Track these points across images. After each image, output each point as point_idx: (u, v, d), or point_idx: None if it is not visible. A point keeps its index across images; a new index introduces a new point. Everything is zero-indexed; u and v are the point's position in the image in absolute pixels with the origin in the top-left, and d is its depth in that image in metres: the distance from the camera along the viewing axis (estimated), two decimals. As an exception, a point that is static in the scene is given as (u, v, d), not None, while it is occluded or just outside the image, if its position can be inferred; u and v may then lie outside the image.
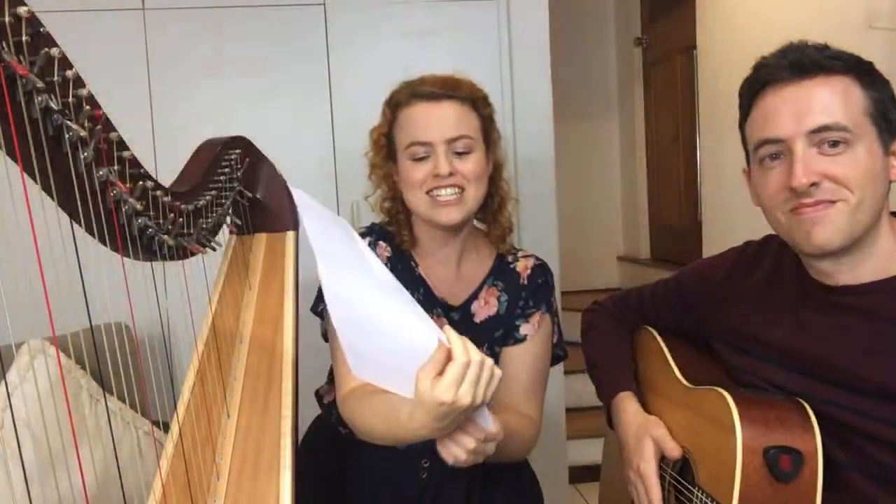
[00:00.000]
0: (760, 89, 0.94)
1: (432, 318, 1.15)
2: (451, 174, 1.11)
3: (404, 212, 1.21)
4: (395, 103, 1.18)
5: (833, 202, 0.88)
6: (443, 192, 1.12)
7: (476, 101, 1.18)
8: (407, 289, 1.16)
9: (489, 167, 1.19)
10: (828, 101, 0.89)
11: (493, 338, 1.20)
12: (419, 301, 1.16)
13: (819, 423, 0.94)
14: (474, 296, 1.22)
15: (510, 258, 1.25)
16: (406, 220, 1.21)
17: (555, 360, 1.26)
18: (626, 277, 3.95)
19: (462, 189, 1.13)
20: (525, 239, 2.00)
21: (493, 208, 1.23)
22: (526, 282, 1.23)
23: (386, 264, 1.20)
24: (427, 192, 1.12)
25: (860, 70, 0.91)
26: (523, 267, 1.24)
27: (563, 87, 2.45)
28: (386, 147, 1.18)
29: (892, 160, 0.92)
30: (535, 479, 1.31)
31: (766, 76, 0.93)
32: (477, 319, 1.21)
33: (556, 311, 1.27)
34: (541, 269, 1.25)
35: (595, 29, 4.04)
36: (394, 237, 1.22)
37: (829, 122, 0.88)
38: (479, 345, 1.12)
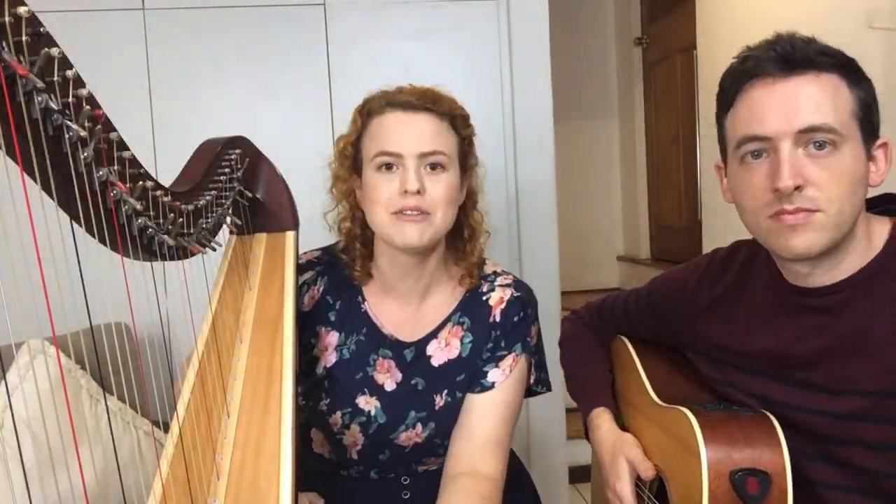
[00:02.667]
0: (747, 81, 0.90)
1: (377, 360, 1.12)
2: (418, 192, 1.01)
3: (363, 237, 1.12)
4: (368, 111, 1.08)
5: (813, 212, 0.86)
6: (408, 213, 1.02)
7: (455, 118, 1.08)
8: (348, 327, 1.13)
9: (462, 194, 1.10)
10: (819, 99, 0.86)
11: (453, 383, 1.11)
12: (361, 341, 1.13)
13: (795, 437, 0.94)
14: (434, 334, 1.13)
15: (486, 286, 1.14)
16: (364, 247, 1.13)
17: (530, 394, 1.18)
18: (626, 277, 3.95)
19: (427, 213, 1.03)
20: (525, 240, 2.00)
21: (462, 239, 1.13)
22: (498, 319, 1.11)
23: (319, 302, 1.15)
24: (393, 213, 1.03)
25: (848, 68, 0.89)
26: (498, 300, 1.12)
27: (563, 87, 2.45)
28: (352, 157, 1.10)
29: (871, 165, 0.90)
30: (533, 486, 1.29)
31: (754, 68, 0.90)
32: (435, 363, 1.12)
33: (537, 347, 1.16)
34: (518, 302, 1.12)
35: (595, 29, 4.05)
36: (345, 266, 1.15)
37: (818, 123, 0.85)
38: (436, 390, 1.11)
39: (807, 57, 0.87)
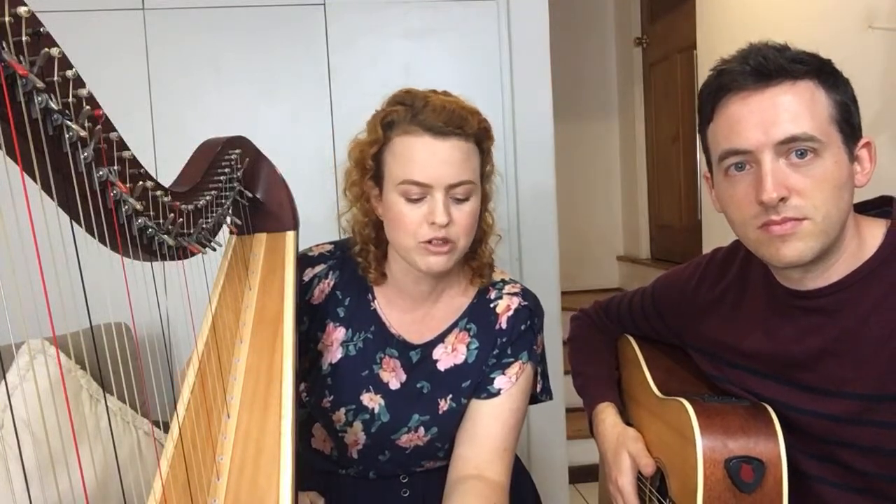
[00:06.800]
0: (723, 96, 0.91)
1: (384, 358, 1.13)
2: (447, 224, 1.01)
3: (377, 239, 1.11)
4: (390, 123, 1.04)
5: (800, 220, 0.86)
6: (435, 242, 1.02)
7: (481, 136, 1.06)
8: (357, 324, 1.14)
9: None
10: (795, 109, 0.86)
11: (458, 388, 1.11)
12: (369, 339, 1.13)
13: (791, 435, 0.94)
14: (440, 338, 1.13)
15: (493, 294, 1.14)
16: (378, 250, 1.12)
17: (534, 402, 1.18)
18: (626, 277, 3.95)
19: (452, 241, 1.03)
20: (525, 240, 2.00)
21: (474, 241, 1.11)
22: (504, 326, 1.12)
23: (329, 296, 1.14)
24: (418, 241, 1.02)
25: (823, 72, 0.88)
26: (505, 308, 1.12)
27: (563, 87, 2.45)
28: (373, 170, 1.06)
29: (856, 166, 0.90)
30: (533, 486, 1.29)
31: (729, 82, 0.90)
32: (441, 367, 1.12)
33: (542, 356, 1.17)
34: (525, 311, 1.12)
35: (595, 29, 4.05)
36: (356, 264, 1.14)
37: (797, 133, 0.85)
38: (440, 395, 1.12)
39: (780, 67, 0.87)
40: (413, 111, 1.02)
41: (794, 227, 0.86)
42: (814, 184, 0.86)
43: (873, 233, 0.93)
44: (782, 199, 0.85)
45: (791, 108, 0.86)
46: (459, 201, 1.03)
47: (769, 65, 0.87)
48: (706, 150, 0.98)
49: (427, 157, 1.01)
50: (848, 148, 0.89)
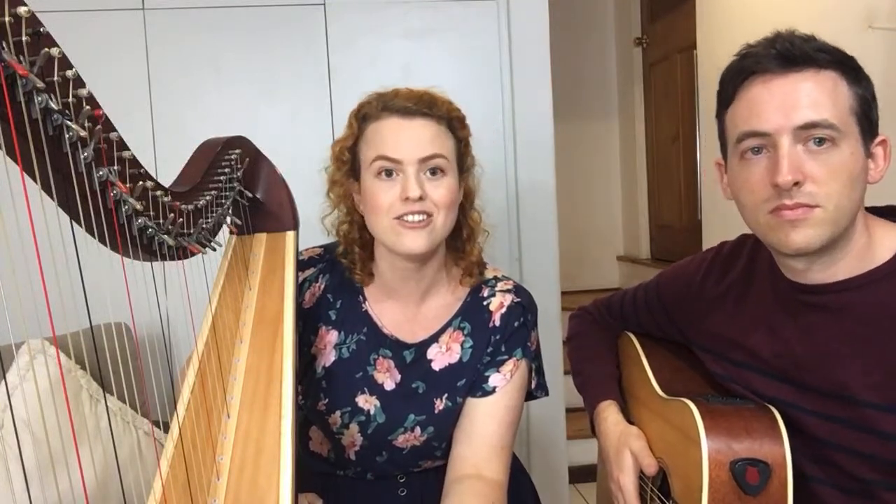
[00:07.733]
0: (746, 78, 0.91)
1: (377, 359, 1.13)
2: (420, 198, 1.01)
3: (362, 240, 1.12)
4: (364, 115, 1.07)
5: (812, 207, 0.86)
6: (409, 217, 1.02)
7: (452, 121, 1.07)
8: (349, 326, 1.14)
9: (460, 194, 1.09)
10: (817, 96, 0.86)
11: (454, 388, 1.11)
12: (362, 341, 1.13)
13: (794, 437, 0.94)
14: (434, 338, 1.13)
15: (486, 291, 1.14)
16: (363, 250, 1.13)
17: (530, 398, 1.18)
18: (626, 277, 3.95)
19: (430, 215, 1.03)
20: (525, 239, 2.00)
21: (461, 239, 1.12)
22: (498, 323, 1.11)
23: (320, 300, 1.15)
24: (395, 218, 1.02)
25: (847, 65, 0.89)
26: (498, 305, 1.12)
27: (563, 87, 2.45)
28: (350, 163, 1.09)
29: (870, 162, 0.90)
30: (533, 487, 1.29)
31: (753, 65, 0.90)
32: (436, 367, 1.12)
33: (536, 352, 1.16)
34: (518, 308, 1.12)
35: (595, 29, 4.05)
36: (345, 267, 1.15)
37: (817, 119, 0.85)
38: (436, 394, 1.11)
39: (805, 54, 0.87)
40: (384, 101, 1.06)
41: (806, 213, 0.86)
42: (829, 172, 0.86)
43: (888, 236, 0.92)
44: (796, 184, 0.85)
45: (813, 94, 0.86)
46: (434, 176, 1.04)
47: (795, 50, 0.87)
48: (722, 135, 0.98)
49: (396, 135, 1.04)
50: (864, 142, 0.89)
